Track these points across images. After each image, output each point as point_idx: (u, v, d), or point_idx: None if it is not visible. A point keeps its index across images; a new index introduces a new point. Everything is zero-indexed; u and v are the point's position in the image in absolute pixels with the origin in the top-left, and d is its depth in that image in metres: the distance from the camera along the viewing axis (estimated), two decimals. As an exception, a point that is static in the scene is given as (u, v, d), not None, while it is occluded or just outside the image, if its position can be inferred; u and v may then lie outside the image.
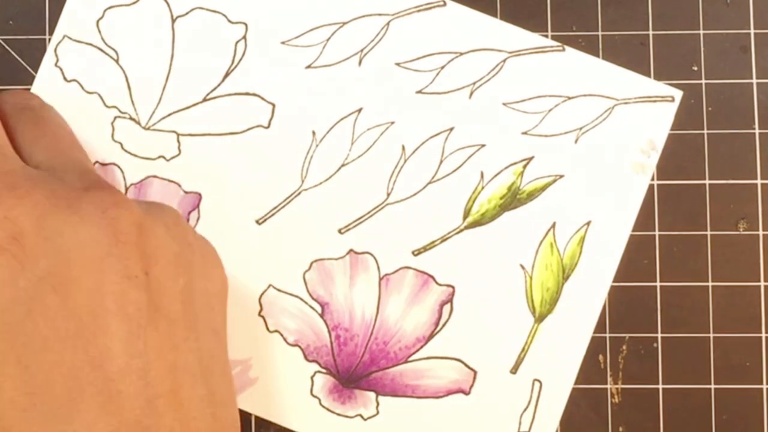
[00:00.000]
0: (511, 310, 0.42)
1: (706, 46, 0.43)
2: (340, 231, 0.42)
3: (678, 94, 0.42)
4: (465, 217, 0.42)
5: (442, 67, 0.42)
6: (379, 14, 0.43)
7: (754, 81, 0.42)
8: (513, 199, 0.42)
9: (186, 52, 0.43)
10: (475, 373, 0.41)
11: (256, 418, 0.42)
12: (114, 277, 0.32)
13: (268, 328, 0.42)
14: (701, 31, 0.43)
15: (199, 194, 0.42)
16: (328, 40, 0.43)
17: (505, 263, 0.42)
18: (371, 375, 0.42)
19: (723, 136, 0.42)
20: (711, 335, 0.42)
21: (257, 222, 0.42)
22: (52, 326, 0.31)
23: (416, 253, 0.42)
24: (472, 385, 0.41)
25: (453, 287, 0.42)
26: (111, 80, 0.42)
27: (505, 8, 0.43)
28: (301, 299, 0.42)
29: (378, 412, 0.42)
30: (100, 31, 0.43)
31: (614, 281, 0.42)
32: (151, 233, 0.33)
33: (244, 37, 0.43)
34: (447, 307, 0.42)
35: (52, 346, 0.31)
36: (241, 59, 0.43)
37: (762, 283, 0.42)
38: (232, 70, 0.43)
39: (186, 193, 0.42)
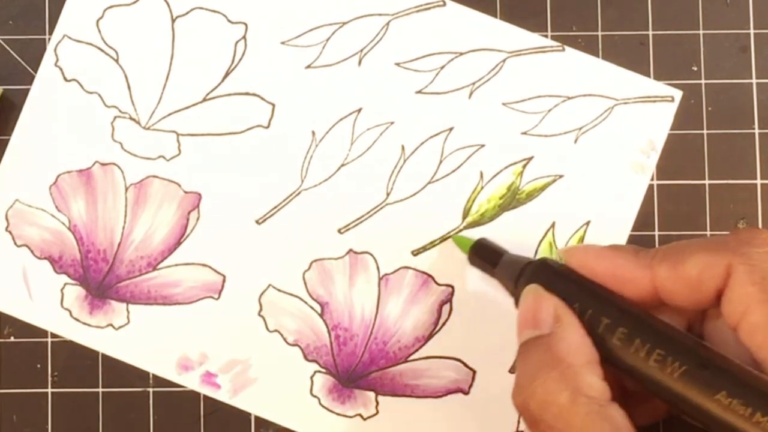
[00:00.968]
0: (510, 310, 0.41)
1: (706, 46, 0.43)
2: (339, 231, 0.42)
3: (677, 94, 0.42)
4: (464, 217, 0.42)
5: (442, 67, 0.42)
6: (379, 14, 0.43)
7: (754, 81, 0.42)
8: (512, 199, 0.42)
9: (186, 51, 0.43)
10: (474, 372, 0.42)
11: (256, 417, 0.42)
12: None
13: (267, 328, 0.42)
14: (701, 31, 0.43)
15: (199, 194, 0.42)
16: (327, 40, 0.43)
17: (504, 263, 0.42)
18: (371, 375, 0.42)
19: (723, 136, 0.42)
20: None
21: (257, 222, 0.42)
22: None
23: (416, 253, 0.42)
24: (471, 385, 0.42)
25: (452, 287, 0.42)
26: (111, 80, 0.43)
27: (505, 8, 0.43)
28: (301, 299, 0.42)
29: (377, 412, 0.42)
30: (100, 31, 0.43)
31: (614, 281, 0.42)
32: None
33: (244, 37, 0.43)
34: (446, 307, 0.42)
35: None
36: (240, 59, 0.43)
37: (761, 283, 0.42)
38: (232, 70, 0.43)
39: (186, 192, 0.42)
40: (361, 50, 0.43)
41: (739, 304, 0.33)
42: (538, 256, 0.42)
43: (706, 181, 0.42)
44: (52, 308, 0.42)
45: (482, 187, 0.42)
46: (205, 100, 0.42)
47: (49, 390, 0.42)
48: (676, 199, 0.42)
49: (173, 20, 0.43)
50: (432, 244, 0.42)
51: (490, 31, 0.42)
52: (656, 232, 0.42)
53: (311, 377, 0.42)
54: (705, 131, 0.42)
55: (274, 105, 0.42)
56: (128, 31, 0.43)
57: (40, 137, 0.42)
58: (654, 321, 0.34)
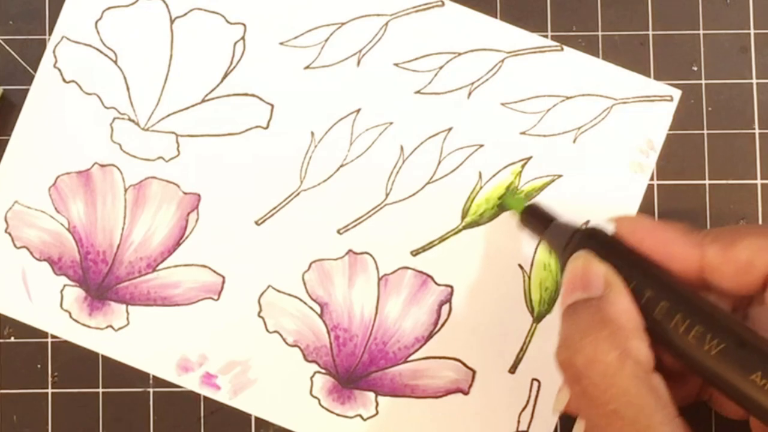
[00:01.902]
0: (510, 310, 0.42)
1: (706, 46, 0.42)
2: (339, 231, 0.42)
3: (676, 93, 0.42)
4: (463, 217, 0.42)
5: (441, 68, 0.42)
6: (378, 15, 0.43)
7: (754, 81, 0.42)
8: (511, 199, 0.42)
9: (185, 52, 0.43)
10: (474, 372, 0.42)
11: (256, 418, 0.42)
12: None
13: (267, 329, 0.42)
14: (701, 31, 0.43)
15: (198, 195, 0.42)
16: (326, 40, 0.42)
17: (503, 263, 0.42)
18: (370, 375, 0.42)
19: (723, 136, 0.42)
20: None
21: (256, 223, 0.42)
22: None
23: (415, 253, 0.42)
24: (471, 385, 0.42)
25: (452, 287, 0.42)
26: (110, 81, 0.43)
27: (505, 9, 0.43)
28: (301, 300, 0.42)
29: (377, 412, 0.42)
30: (98, 32, 0.43)
31: (613, 281, 0.42)
32: None
33: (243, 38, 0.43)
34: (446, 307, 0.42)
35: None
36: (239, 60, 0.43)
37: (761, 284, 0.42)
38: (231, 70, 0.43)
39: (185, 193, 0.42)
40: (360, 51, 0.42)
41: None
42: (539, 255, 0.42)
43: (706, 181, 0.42)
44: (52, 310, 0.42)
45: (481, 187, 0.42)
46: (204, 101, 0.42)
47: (49, 390, 0.42)
48: (676, 199, 0.42)
49: (172, 21, 0.43)
50: (431, 245, 0.42)
51: (489, 31, 0.42)
52: (656, 232, 0.42)
53: (311, 378, 0.42)
54: (705, 131, 0.42)
55: (273, 106, 0.42)
56: (127, 32, 0.43)
57: (39, 139, 0.42)
58: (697, 298, 0.34)
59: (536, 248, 0.42)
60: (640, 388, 0.32)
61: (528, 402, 0.41)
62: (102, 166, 0.42)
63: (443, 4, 0.43)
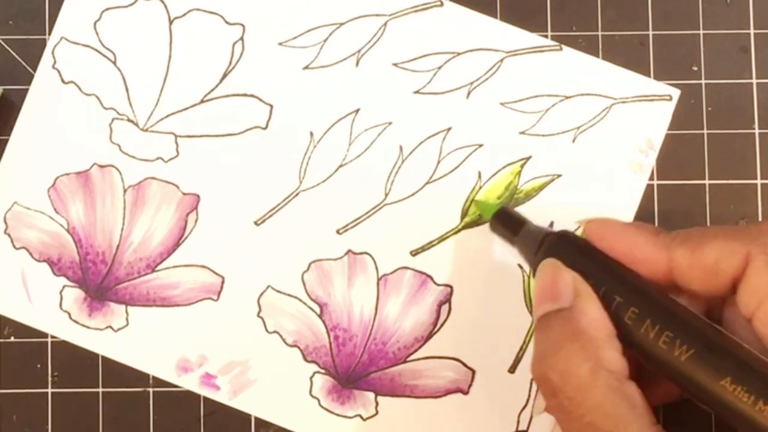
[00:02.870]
0: (509, 310, 0.42)
1: (706, 46, 0.42)
2: (338, 231, 0.42)
3: (676, 92, 0.42)
4: (463, 216, 0.42)
5: (440, 68, 0.42)
6: (376, 15, 0.42)
7: (754, 81, 0.42)
8: (511, 199, 0.42)
9: (183, 53, 0.43)
10: (474, 372, 0.42)
11: (256, 418, 0.42)
12: None
13: (267, 329, 0.42)
14: (701, 31, 0.42)
15: (198, 195, 0.42)
16: (325, 40, 0.42)
17: (503, 263, 0.42)
18: (370, 375, 0.42)
19: (723, 136, 0.42)
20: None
21: (255, 223, 0.42)
22: None
23: (414, 253, 0.42)
24: (470, 385, 0.42)
25: (451, 287, 0.42)
26: (109, 82, 0.43)
27: (505, 8, 0.43)
28: (300, 300, 0.42)
29: (377, 412, 0.42)
30: (97, 33, 0.43)
31: (613, 282, 0.42)
32: None
33: (242, 38, 0.43)
34: (445, 307, 0.42)
35: None
36: (238, 60, 0.42)
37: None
38: (230, 71, 0.42)
39: (184, 194, 0.42)
40: (359, 51, 0.42)
41: (755, 294, 0.33)
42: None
43: (706, 181, 0.42)
44: (51, 310, 0.42)
45: (480, 187, 0.42)
46: (203, 101, 0.42)
47: (49, 390, 0.42)
48: (676, 199, 0.42)
49: (170, 22, 0.43)
50: (430, 244, 0.42)
51: (488, 30, 0.42)
52: (656, 232, 0.42)
53: (311, 378, 0.42)
54: (705, 131, 0.42)
55: (272, 106, 0.42)
56: (125, 32, 0.43)
57: (38, 140, 0.42)
58: (667, 302, 0.34)
59: (536, 248, 0.42)
60: (614, 399, 0.32)
61: (528, 402, 0.41)
62: (101, 166, 0.42)
63: (442, 4, 0.42)
